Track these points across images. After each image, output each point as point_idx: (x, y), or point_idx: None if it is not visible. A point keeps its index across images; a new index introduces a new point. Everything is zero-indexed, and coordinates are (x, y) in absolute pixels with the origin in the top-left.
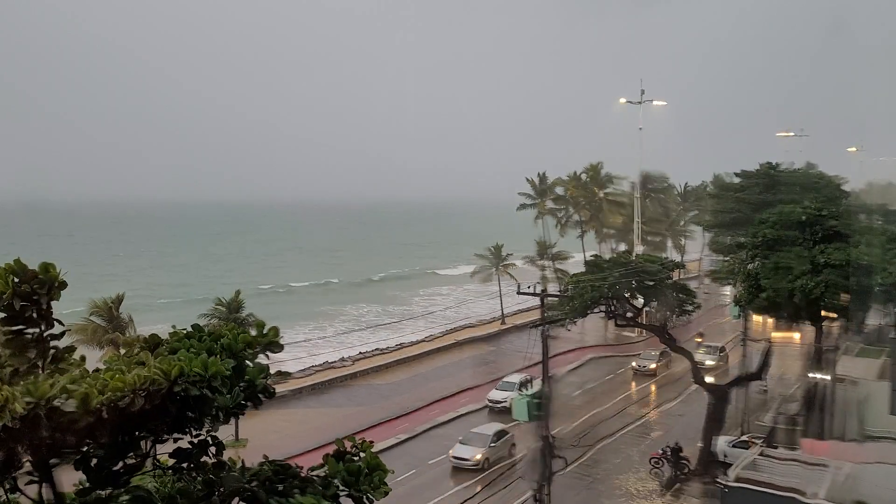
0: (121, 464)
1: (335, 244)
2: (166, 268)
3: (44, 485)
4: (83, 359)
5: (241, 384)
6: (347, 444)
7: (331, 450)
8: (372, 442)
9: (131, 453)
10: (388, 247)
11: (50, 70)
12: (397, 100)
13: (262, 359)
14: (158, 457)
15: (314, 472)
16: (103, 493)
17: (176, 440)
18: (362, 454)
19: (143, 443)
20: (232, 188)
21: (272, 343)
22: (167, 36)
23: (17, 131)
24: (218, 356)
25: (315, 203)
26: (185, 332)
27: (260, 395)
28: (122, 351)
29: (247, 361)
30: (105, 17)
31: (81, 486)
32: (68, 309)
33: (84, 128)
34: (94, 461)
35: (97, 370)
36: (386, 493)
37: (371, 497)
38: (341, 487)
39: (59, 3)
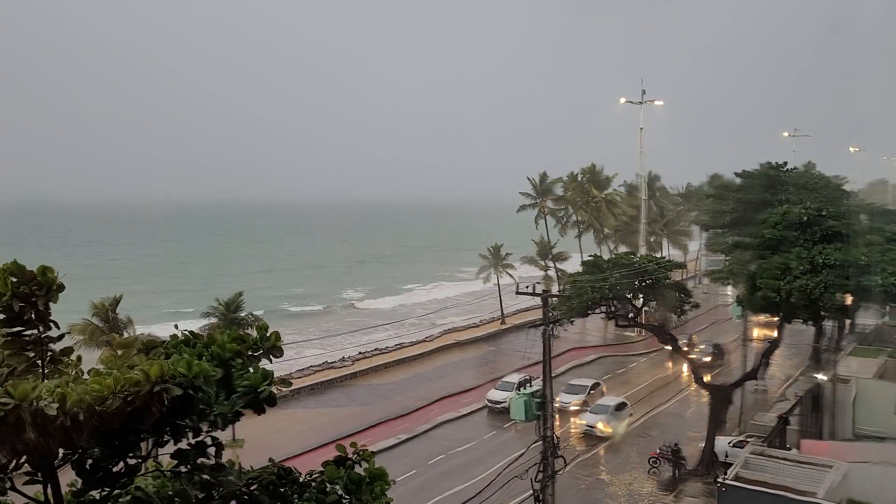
0: (121, 465)
1: (347, 253)
2: (166, 273)
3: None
4: (79, 359)
5: (238, 391)
6: (349, 451)
7: (330, 450)
8: (373, 452)
9: (130, 454)
10: (400, 251)
11: (59, 68)
12: (398, 99)
13: (264, 363)
14: (159, 458)
15: (312, 478)
16: (97, 494)
17: (177, 441)
18: (364, 463)
19: (143, 444)
20: (235, 187)
21: (274, 348)
22: (173, 32)
23: (27, 129)
24: (206, 362)
25: (318, 204)
26: (182, 337)
27: (262, 401)
28: (119, 352)
29: (248, 368)
30: (112, 15)
31: (75, 488)
32: (76, 310)
33: (90, 124)
34: (90, 462)
35: (93, 370)
36: None
37: None
38: (344, 496)
39: (68, 2)
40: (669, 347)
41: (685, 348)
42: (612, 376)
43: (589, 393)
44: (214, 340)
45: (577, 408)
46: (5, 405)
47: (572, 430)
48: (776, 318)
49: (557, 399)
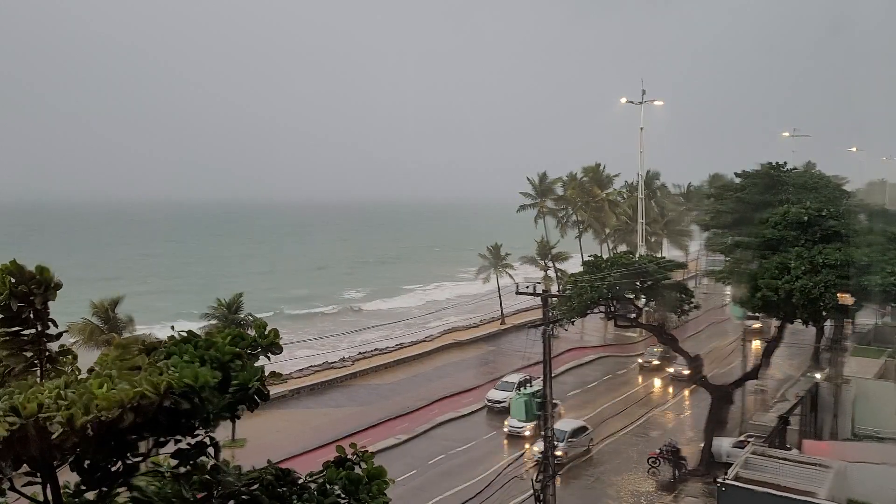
0: (119, 464)
1: (347, 254)
2: (166, 274)
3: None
4: (75, 357)
5: (231, 390)
6: (348, 451)
7: (330, 450)
8: (373, 453)
9: (129, 454)
10: (400, 252)
11: (59, 68)
12: (398, 99)
13: (261, 360)
14: (158, 457)
15: (312, 479)
16: (93, 494)
17: (176, 441)
18: (363, 464)
19: (143, 443)
20: (235, 187)
21: (273, 345)
22: (173, 32)
23: (27, 129)
24: (207, 366)
25: (318, 204)
26: (181, 336)
27: (254, 397)
28: (118, 352)
29: (236, 368)
30: (112, 15)
31: (69, 490)
32: (77, 312)
33: (90, 124)
34: (88, 462)
35: (94, 372)
36: None
37: None
38: (342, 495)
39: (68, 2)
40: (641, 360)
41: (656, 361)
42: (611, 377)
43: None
44: (214, 343)
45: (531, 433)
46: (12, 425)
47: (526, 460)
48: (774, 319)
49: (506, 423)
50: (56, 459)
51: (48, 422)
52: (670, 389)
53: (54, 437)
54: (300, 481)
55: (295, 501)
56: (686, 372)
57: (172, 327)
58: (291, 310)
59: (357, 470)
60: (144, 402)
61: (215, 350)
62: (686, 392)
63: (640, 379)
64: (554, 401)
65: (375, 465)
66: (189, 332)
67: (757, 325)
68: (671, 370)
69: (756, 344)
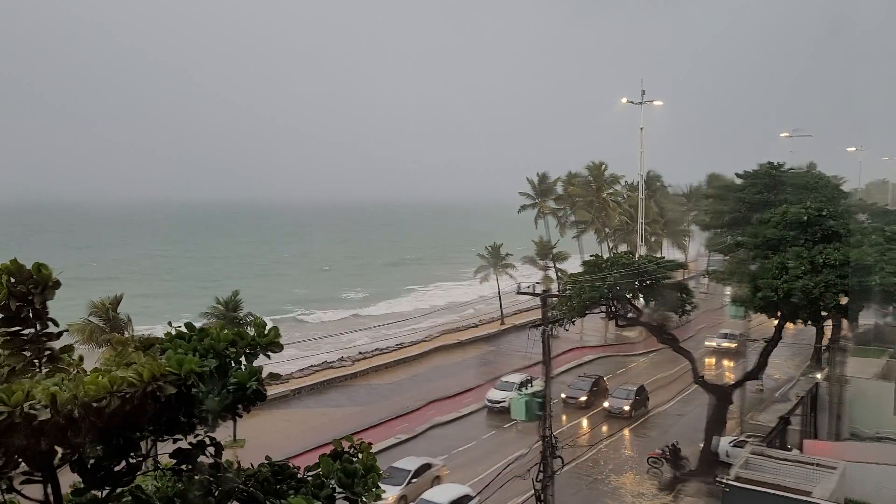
0: (123, 464)
1: (347, 255)
2: (167, 274)
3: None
4: (81, 358)
5: (230, 386)
6: (345, 445)
7: (329, 450)
8: (370, 443)
9: (131, 454)
10: (400, 252)
11: (59, 68)
12: (398, 99)
13: (262, 359)
14: (158, 457)
15: (310, 473)
16: (99, 493)
17: (175, 441)
18: (360, 455)
19: (143, 443)
20: (235, 187)
21: (273, 343)
22: (173, 32)
23: (27, 129)
24: (199, 355)
25: (318, 204)
26: (177, 331)
27: (252, 396)
28: (119, 350)
29: (234, 362)
30: (112, 15)
31: (76, 487)
32: (79, 314)
33: (90, 124)
34: (92, 462)
35: (94, 369)
36: (379, 497)
37: (365, 500)
38: (338, 489)
39: (68, 2)
40: (564, 395)
41: (583, 397)
42: (611, 376)
43: (410, 482)
44: (209, 334)
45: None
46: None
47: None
48: (771, 325)
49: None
50: (55, 457)
51: (43, 405)
52: (605, 429)
53: (39, 419)
54: (298, 476)
55: (291, 495)
56: (626, 408)
57: (170, 323)
58: (297, 312)
59: (355, 463)
60: (130, 389)
61: (210, 340)
62: (626, 432)
63: (563, 418)
64: (426, 462)
65: (370, 456)
66: (187, 324)
67: (730, 344)
68: (607, 405)
69: (728, 363)
